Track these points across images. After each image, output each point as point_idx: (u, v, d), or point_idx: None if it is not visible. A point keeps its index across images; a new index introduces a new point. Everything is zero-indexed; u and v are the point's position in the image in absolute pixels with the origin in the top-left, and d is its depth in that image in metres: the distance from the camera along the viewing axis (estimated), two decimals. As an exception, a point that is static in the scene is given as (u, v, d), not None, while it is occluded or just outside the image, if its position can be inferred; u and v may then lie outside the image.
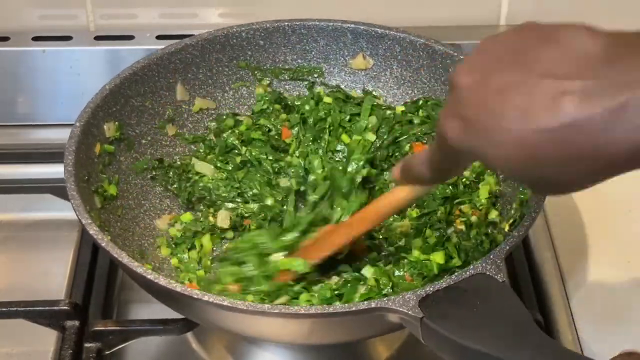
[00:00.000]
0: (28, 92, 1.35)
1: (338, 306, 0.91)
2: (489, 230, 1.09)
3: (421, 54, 1.20)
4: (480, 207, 1.11)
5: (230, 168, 1.19)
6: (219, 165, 1.20)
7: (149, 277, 0.93)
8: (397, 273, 1.06)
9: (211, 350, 1.12)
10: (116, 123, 1.13)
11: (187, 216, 1.17)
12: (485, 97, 0.72)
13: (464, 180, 1.14)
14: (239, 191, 1.18)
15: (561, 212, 1.22)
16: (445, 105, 0.78)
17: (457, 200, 1.13)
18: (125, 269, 0.96)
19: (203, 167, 1.19)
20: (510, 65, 0.73)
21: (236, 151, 1.20)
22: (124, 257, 0.95)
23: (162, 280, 0.92)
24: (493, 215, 1.10)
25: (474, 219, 1.10)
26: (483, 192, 1.12)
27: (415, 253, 1.08)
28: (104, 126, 1.12)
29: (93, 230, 0.97)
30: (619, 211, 1.21)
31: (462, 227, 1.11)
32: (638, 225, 1.20)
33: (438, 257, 1.06)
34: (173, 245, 1.14)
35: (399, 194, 0.97)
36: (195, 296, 0.91)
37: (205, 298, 0.91)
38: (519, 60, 0.73)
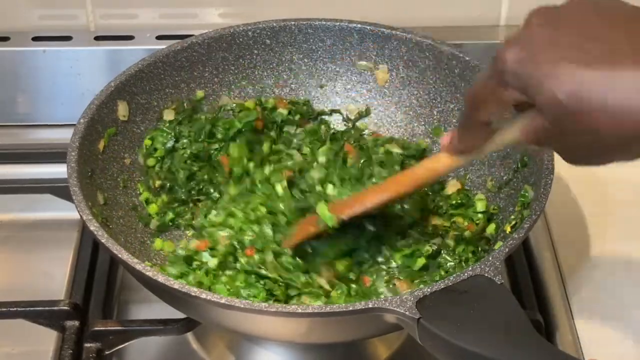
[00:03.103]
0: (28, 92, 1.35)
1: (335, 306, 0.91)
2: (479, 248, 1.09)
3: (427, 54, 1.20)
4: (477, 221, 1.11)
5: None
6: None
7: (147, 274, 0.93)
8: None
9: (211, 350, 1.12)
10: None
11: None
12: (554, 40, 0.77)
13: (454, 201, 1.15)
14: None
15: (561, 212, 1.21)
16: (510, 40, 0.80)
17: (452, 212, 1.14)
18: (124, 265, 0.96)
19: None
20: (584, 25, 0.78)
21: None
22: (123, 254, 0.95)
23: (161, 278, 0.93)
24: (490, 229, 1.10)
25: (467, 234, 1.10)
26: (480, 205, 1.12)
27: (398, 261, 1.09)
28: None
29: (94, 226, 0.97)
30: (619, 211, 1.21)
31: (451, 241, 1.11)
32: (638, 225, 1.20)
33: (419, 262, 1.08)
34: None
35: (441, 161, 0.96)
36: (193, 294, 0.91)
37: (203, 296, 0.91)
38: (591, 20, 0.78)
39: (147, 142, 1.17)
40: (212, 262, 1.08)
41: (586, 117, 0.75)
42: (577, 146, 0.79)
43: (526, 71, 0.77)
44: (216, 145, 1.19)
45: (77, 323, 1.09)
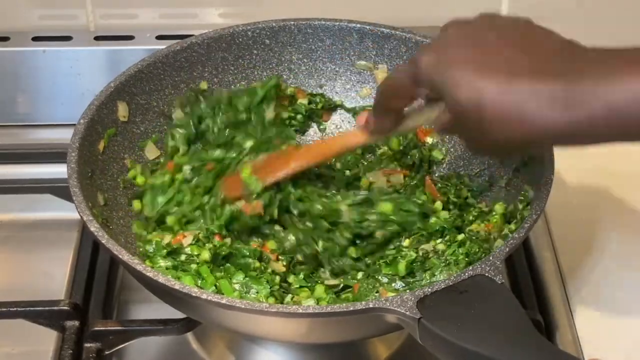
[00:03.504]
0: (28, 92, 1.35)
1: (336, 306, 0.91)
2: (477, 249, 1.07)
3: None
4: (495, 222, 1.10)
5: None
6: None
7: (148, 274, 0.93)
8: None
9: (211, 350, 1.12)
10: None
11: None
12: (462, 51, 0.88)
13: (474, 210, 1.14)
14: None
15: (561, 212, 1.21)
16: (426, 46, 0.91)
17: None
18: (125, 266, 0.96)
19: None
20: (495, 38, 0.89)
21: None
22: (123, 255, 0.95)
23: (162, 278, 0.93)
24: (507, 230, 1.08)
25: (483, 232, 1.09)
26: (499, 208, 1.11)
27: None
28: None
29: (94, 227, 0.97)
30: (619, 211, 1.21)
31: (443, 245, 1.09)
32: (638, 225, 1.20)
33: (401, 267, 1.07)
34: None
35: (357, 137, 1.05)
36: (194, 294, 0.91)
37: (204, 296, 0.91)
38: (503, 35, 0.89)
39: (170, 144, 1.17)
40: (204, 255, 1.07)
41: (483, 120, 0.84)
42: (476, 140, 0.88)
43: (436, 76, 0.87)
44: (243, 116, 1.18)
45: (77, 323, 1.09)
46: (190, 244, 1.07)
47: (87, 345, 1.07)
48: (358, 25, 1.22)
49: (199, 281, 1.04)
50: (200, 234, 1.08)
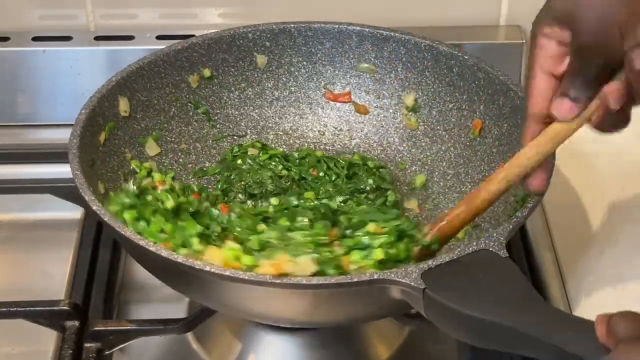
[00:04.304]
0: (28, 92, 1.35)
1: (341, 277, 0.91)
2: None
3: (426, 55, 1.20)
4: None
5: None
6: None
7: (150, 248, 0.92)
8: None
9: (211, 350, 1.12)
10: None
11: None
12: None
13: None
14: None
15: (561, 212, 1.22)
16: None
17: None
18: (127, 242, 0.95)
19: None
20: None
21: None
22: (126, 231, 0.95)
23: (164, 252, 0.92)
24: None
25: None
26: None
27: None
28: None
29: (96, 206, 0.97)
30: (620, 211, 1.21)
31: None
32: (638, 225, 1.20)
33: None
34: None
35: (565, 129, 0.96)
36: (197, 266, 0.90)
37: (207, 268, 0.90)
38: None
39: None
40: (169, 203, 1.05)
41: None
42: None
43: None
44: None
45: (77, 323, 1.09)
46: (164, 190, 1.06)
47: (87, 345, 1.07)
48: (357, 28, 1.22)
49: (142, 222, 1.02)
50: (177, 185, 1.08)
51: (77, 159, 1.03)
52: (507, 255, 0.91)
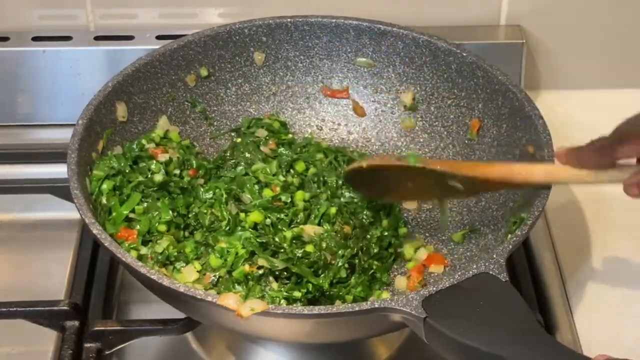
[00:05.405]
0: (28, 92, 1.35)
1: (341, 307, 0.91)
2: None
3: (424, 50, 1.20)
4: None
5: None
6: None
7: (152, 277, 0.93)
8: None
9: (211, 350, 1.12)
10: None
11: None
12: None
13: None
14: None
15: (561, 212, 1.21)
16: None
17: None
18: (127, 267, 0.96)
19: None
20: None
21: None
22: (127, 257, 0.95)
23: (166, 281, 0.93)
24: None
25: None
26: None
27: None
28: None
29: (96, 229, 0.97)
30: (620, 212, 1.21)
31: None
32: (639, 226, 1.20)
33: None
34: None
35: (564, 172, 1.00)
36: (199, 297, 0.91)
37: (209, 299, 0.91)
38: None
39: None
40: (157, 177, 1.10)
41: None
42: None
43: None
44: None
45: (77, 323, 1.09)
46: (159, 162, 1.11)
47: (87, 345, 1.07)
48: (355, 22, 1.22)
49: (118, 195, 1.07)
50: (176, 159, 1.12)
51: (76, 176, 1.02)
52: (507, 279, 0.91)
